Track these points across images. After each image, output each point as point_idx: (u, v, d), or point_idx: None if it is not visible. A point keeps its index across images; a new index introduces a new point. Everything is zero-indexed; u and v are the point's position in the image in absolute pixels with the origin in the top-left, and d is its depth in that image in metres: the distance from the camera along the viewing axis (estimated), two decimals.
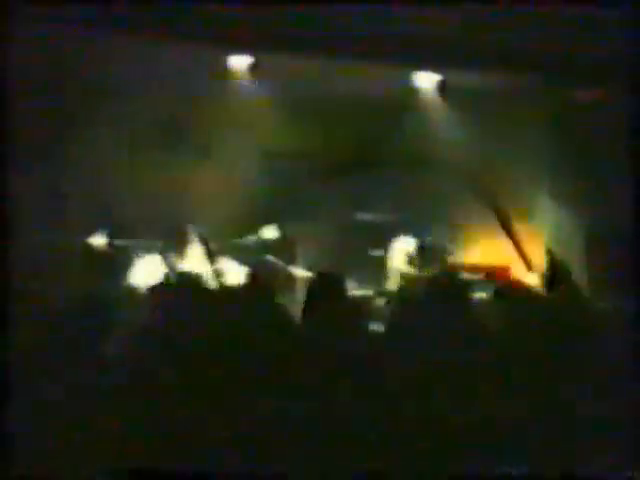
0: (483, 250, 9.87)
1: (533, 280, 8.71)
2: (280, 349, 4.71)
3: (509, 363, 4.83)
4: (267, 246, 9.24)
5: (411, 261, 8.90)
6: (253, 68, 8.90)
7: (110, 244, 8.77)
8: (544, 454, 4.60)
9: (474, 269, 9.36)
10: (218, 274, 8.46)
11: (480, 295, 8.43)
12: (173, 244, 8.41)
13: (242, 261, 8.79)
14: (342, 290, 5.42)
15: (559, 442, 4.60)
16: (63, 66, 7.99)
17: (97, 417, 4.42)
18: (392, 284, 8.84)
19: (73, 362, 4.61)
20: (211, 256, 8.58)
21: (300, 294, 9.05)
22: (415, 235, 9.07)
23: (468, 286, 7.63)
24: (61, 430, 4.41)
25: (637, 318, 5.31)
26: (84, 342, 4.73)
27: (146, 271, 8.13)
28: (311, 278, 6.51)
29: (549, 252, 9.10)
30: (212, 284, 7.91)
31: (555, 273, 8.27)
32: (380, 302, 8.28)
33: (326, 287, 5.32)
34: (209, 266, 8.51)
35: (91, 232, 8.76)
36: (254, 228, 9.26)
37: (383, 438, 4.50)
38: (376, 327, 5.24)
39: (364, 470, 4.48)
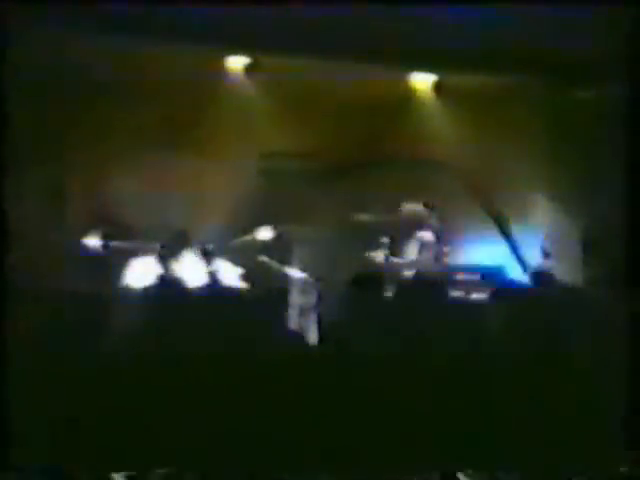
0: (481, 250, 9.87)
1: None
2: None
3: (506, 363, 4.84)
4: (262, 247, 9.22)
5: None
6: (252, 68, 8.92)
7: (107, 245, 8.76)
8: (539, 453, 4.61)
9: (471, 269, 9.38)
10: (213, 275, 8.45)
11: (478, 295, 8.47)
12: (170, 245, 8.39)
13: (237, 262, 8.78)
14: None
15: (554, 440, 4.61)
16: (63, 66, 7.98)
17: (96, 416, 4.41)
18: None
19: (72, 361, 4.60)
20: (207, 257, 8.57)
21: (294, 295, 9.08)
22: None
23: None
24: (61, 429, 4.40)
25: (633, 316, 5.34)
26: (82, 341, 4.72)
27: (142, 272, 8.10)
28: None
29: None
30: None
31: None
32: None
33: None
34: (205, 267, 8.49)
35: (90, 233, 8.73)
36: (251, 229, 9.24)
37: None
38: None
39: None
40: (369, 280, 5.47)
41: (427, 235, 8.97)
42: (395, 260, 8.93)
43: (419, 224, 8.94)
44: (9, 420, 4.39)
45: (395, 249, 8.93)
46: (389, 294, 6.63)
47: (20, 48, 6.19)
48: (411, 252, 8.99)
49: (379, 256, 8.84)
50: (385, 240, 8.94)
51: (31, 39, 7.01)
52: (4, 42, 5.83)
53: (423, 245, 8.92)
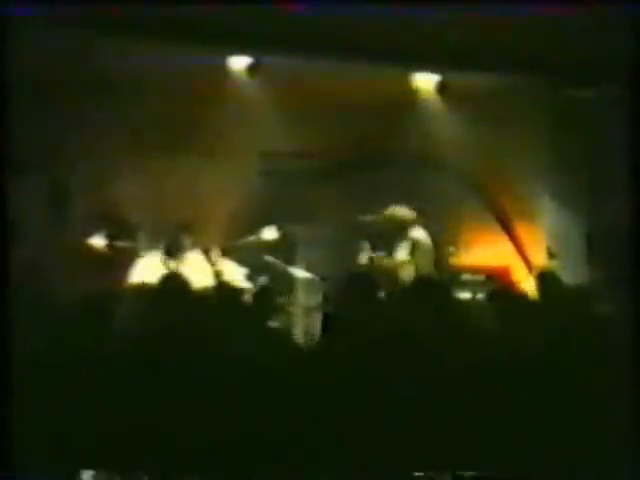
0: (483, 250, 9.86)
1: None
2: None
3: (502, 366, 4.80)
4: (267, 247, 9.22)
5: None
6: (253, 68, 8.93)
7: (110, 245, 8.76)
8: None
9: (474, 270, 9.37)
10: (218, 275, 8.45)
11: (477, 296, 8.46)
12: (173, 245, 8.39)
13: (242, 262, 8.78)
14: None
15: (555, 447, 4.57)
16: (63, 66, 7.99)
17: (98, 418, 4.40)
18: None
19: (73, 362, 4.59)
20: (210, 257, 8.57)
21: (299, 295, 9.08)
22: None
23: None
24: (62, 430, 4.39)
25: (637, 318, 5.30)
26: (84, 342, 4.71)
27: (145, 272, 8.10)
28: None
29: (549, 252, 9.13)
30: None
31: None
32: None
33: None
34: (209, 267, 8.50)
35: (91, 232, 8.75)
36: (254, 229, 9.24)
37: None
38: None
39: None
40: (368, 280, 5.43)
41: (421, 235, 8.86)
42: (382, 259, 8.89)
43: (403, 227, 8.87)
44: (11, 421, 4.37)
45: (383, 249, 8.91)
46: (388, 295, 6.60)
47: (20, 47, 6.18)
48: (403, 253, 8.88)
49: (363, 257, 8.82)
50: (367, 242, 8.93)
51: (31, 39, 7.02)
52: (4, 42, 5.81)
53: (416, 246, 8.81)
